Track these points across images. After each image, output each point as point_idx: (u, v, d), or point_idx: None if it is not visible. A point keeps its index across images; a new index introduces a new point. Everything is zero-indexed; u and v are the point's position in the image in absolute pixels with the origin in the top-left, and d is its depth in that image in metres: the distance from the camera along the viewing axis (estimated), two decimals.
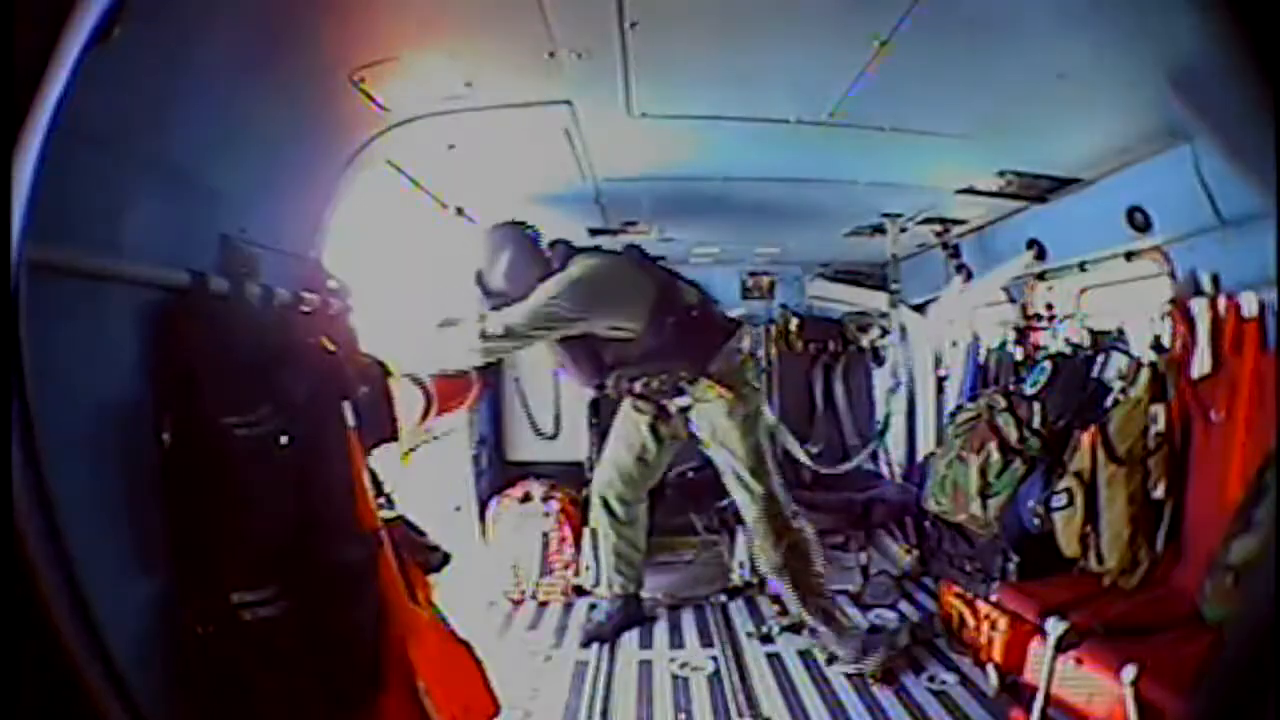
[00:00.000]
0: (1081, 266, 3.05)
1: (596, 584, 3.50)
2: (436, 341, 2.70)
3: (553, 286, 2.72)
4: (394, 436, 2.00)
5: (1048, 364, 3.10)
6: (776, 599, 3.51)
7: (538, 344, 2.87)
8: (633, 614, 3.31)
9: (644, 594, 3.43)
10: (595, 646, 3.12)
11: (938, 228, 3.56)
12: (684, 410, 3.02)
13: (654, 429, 3.19)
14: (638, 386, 2.94)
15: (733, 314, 3.28)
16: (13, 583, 0.66)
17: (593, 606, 3.42)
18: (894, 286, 3.85)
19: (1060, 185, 2.74)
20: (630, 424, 3.24)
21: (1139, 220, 2.50)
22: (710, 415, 2.93)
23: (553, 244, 2.95)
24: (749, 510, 2.94)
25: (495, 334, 2.65)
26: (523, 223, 2.93)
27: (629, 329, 2.80)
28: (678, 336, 2.83)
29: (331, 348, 1.75)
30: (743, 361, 2.99)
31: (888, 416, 4.30)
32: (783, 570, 2.91)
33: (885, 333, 4.67)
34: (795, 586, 2.90)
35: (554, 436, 4.39)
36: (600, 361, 2.89)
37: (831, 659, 2.87)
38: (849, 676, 2.78)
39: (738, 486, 2.95)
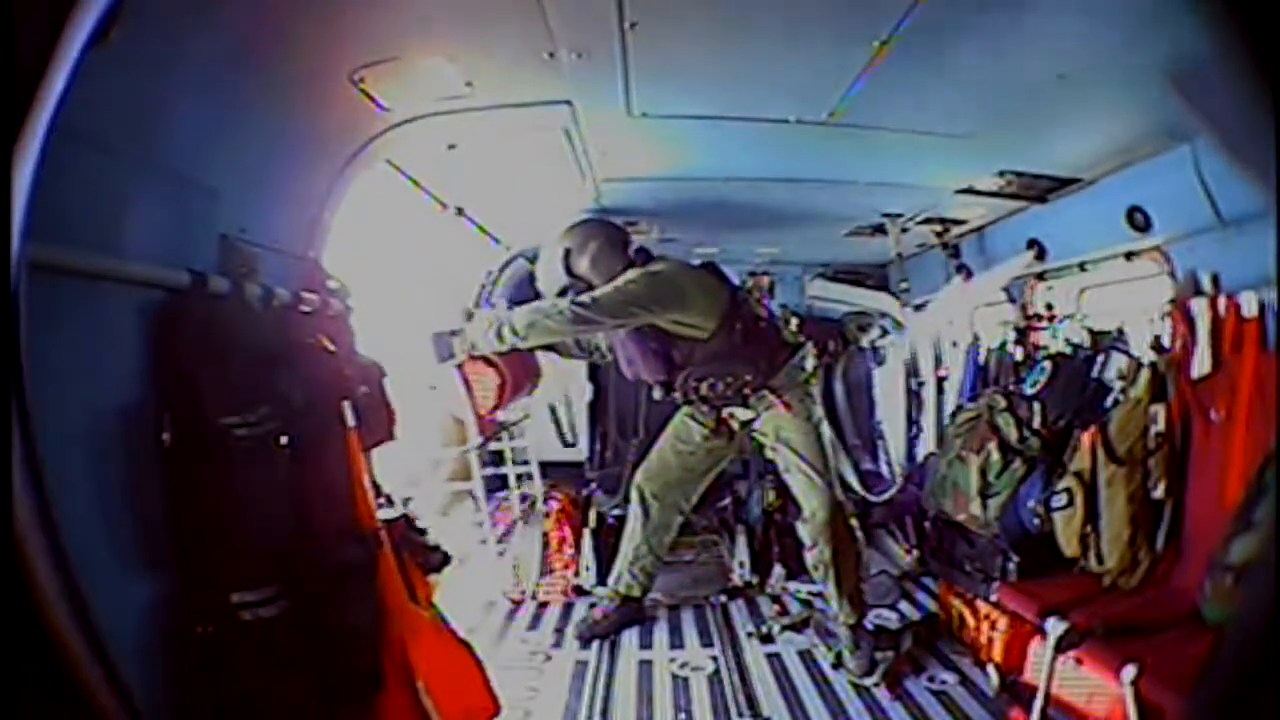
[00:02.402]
0: (1081, 266, 3.06)
1: (600, 581, 3.50)
2: (529, 314, 2.78)
3: (634, 274, 2.84)
4: (393, 436, 2.00)
5: (1048, 364, 3.10)
6: (776, 599, 3.52)
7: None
8: (632, 615, 3.31)
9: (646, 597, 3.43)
10: (595, 646, 3.12)
11: (938, 228, 3.56)
12: (745, 424, 3.07)
13: (707, 439, 3.21)
14: (704, 388, 2.99)
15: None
16: (13, 583, 0.66)
17: (593, 605, 3.41)
18: (903, 286, 3.85)
19: (1060, 185, 2.74)
20: (685, 428, 3.26)
21: (1139, 220, 2.50)
22: (774, 419, 2.99)
23: (635, 249, 3.08)
24: (813, 504, 2.94)
25: (584, 302, 2.74)
26: (613, 221, 3.10)
27: (700, 327, 2.87)
28: (745, 343, 2.92)
29: (331, 348, 1.75)
30: (804, 379, 3.05)
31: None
32: (830, 569, 2.93)
33: (885, 333, 4.67)
34: (839, 586, 2.93)
35: (574, 444, 4.59)
36: (670, 358, 2.95)
37: (838, 663, 2.86)
38: (854, 683, 2.78)
39: (805, 483, 2.96)
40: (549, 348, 3.22)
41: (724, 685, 2.78)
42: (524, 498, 3.66)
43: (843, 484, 3.84)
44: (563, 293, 2.95)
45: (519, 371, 3.11)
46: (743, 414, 3.05)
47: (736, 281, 3.18)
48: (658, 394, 3.13)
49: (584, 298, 2.77)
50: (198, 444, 1.31)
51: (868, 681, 2.74)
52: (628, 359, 3.08)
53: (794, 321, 4.69)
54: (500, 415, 3.24)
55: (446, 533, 2.91)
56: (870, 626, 2.97)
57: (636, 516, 3.29)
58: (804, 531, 3.00)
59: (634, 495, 3.30)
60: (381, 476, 2.01)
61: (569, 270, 3.00)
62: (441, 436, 3.10)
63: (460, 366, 2.86)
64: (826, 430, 3.06)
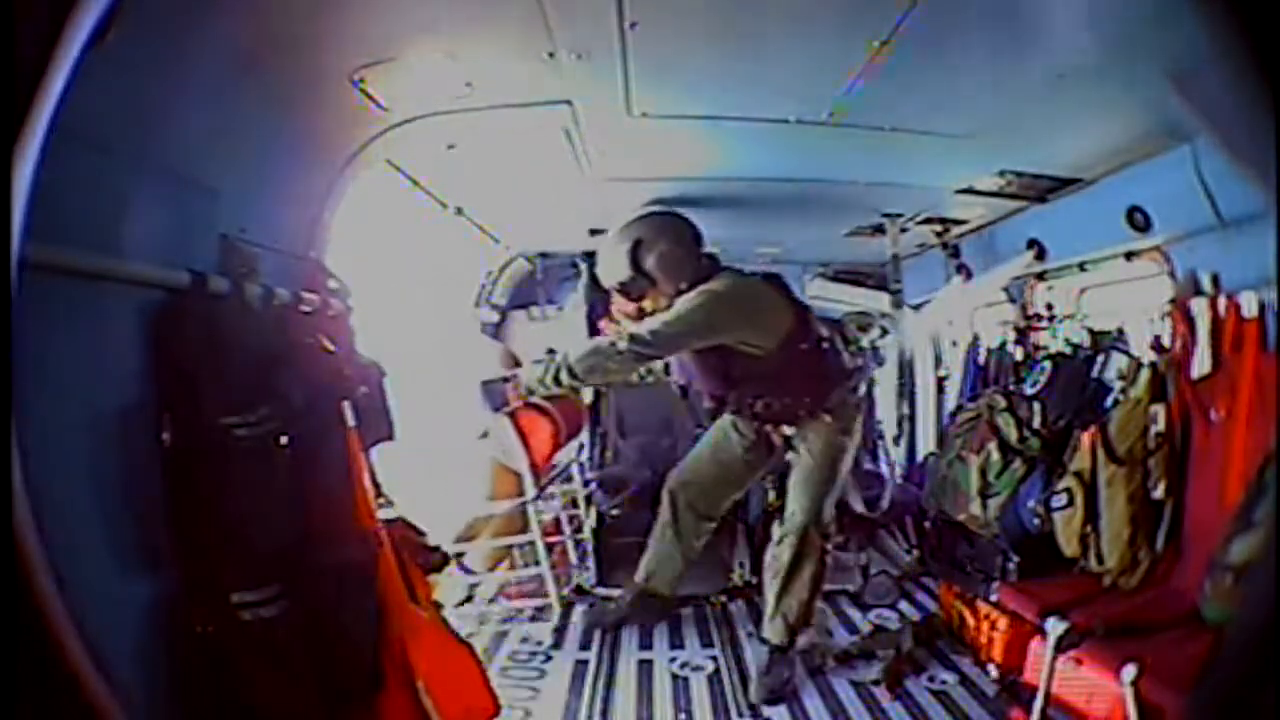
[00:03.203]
0: (1081, 266, 3.06)
1: (600, 581, 3.49)
2: (585, 353, 2.64)
3: (697, 298, 2.70)
4: (391, 436, 2.00)
5: (1048, 364, 3.10)
6: None
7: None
8: (653, 611, 3.28)
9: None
10: (595, 646, 3.11)
11: (938, 228, 3.56)
12: (788, 439, 3.00)
13: (746, 452, 3.15)
14: (758, 406, 2.92)
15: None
16: (12, 583, 0.66)
17: (604, 598, 3.41)
18: (894, 286, 3.84)
19: (1060, 185, 2.74)
20: (725, 438, 3.19)
21: (1139, 220, 2.50)
22: (812, 428, 2.93)
23: (705, 254, 2.95)
24: (795, 506, 2.89)
25: (644, 338, 2.61)
26: (687, 218, 2.91)
27: (762, 346, 2.77)
28: (805, 364, 2.83)
29: (331, 348, 1.75)
30: (856, 404, 3.03)
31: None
32: (779, 576, 2.86)
33: (885, 333, 4.67)
34: (779, 596, 2.85)
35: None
36: (727, 374, 2.85)
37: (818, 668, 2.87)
38: (853, 682, 2.78)
39: (801, 487, 2.90)
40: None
41: (724, 685, 2.78)
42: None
43: (842, 506, 3.82)
44: (624, 285, 2.85)
45: (570, 415, 3.01)
46: (788, 430, 2.98)
47: (802, 299, 3.06)
48: (708, 404, 3.07)
49: (644, 333, 2.61)
50: (198, 444, 1.31)
51: (763, 709, 2.63)
52: (681, 365, 3.03)
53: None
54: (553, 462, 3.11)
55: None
56: (794, 654, 2.86)
57: (666, 520, 3.23)
58: (775, 530, 2.94)
59: (665, 498, 3.23)
60: (431, 531, 1.96)
61: (635, 264, 2.81)
62: (487, 488, 2.93)
63: (513, 415, 2.72)
64: (850, 456, 2.98)
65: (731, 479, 3.23)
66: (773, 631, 2.84)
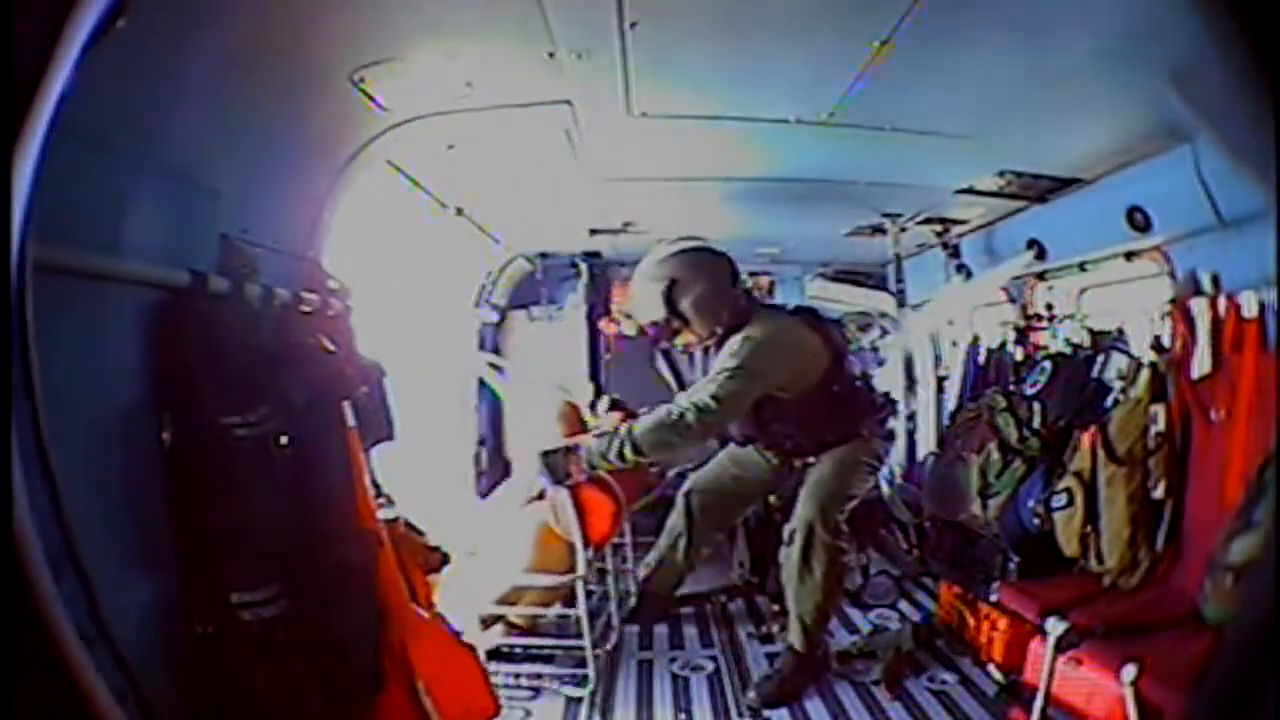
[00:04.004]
0: (1081, 266, 3.06)
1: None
2: (650, 428, 2.55)
3: (745, 353, 2.60)
4: (391, 436, 2.00)
5: (1048, 364, 3.10)
6: (777, 599, 3.51)
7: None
8: (642, 612, 3.28)
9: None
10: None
11: (938, 228, 3.56)
12: (808, 464, 2.97)
13: (765, 470, 3.13)
14: (788, 444, 2.93)
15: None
16: (12, 583, 0.66)
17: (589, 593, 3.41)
18: (897, 287, 3.84)
19: (1060, 185, 2.74)
20: (747, 453, 3.16)
21: (1139, 220, 2.50)
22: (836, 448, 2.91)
23: (743, 292, 2.90)
24: (802, 508, 2.83)
25: (709, 407, 2.53)
26: (723, 254, 2.84)
27: (798, 390, 2.75)
28: (837, 403, 2.82)
29: (331, 348, 1.75)
30: (886, 434, 3.02)
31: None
32: (795, 575, 2.80)
33: (885, 333, 4.67)
34: (795, 599, 2.80)
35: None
36: (759, 416, 2.82)
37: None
38: (853, 682, 2.77)
39: (814, 489, 2.84)
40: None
41: (724, 685, 2.78)
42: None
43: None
44: (657, 325, 2.80)
45: (630, 491, 2.92)
46: (811, 459, 2.95)
47: (838, 336, 3.00)
48: (737, 439, 3.05)
49: (707, 401, 2.53)
50: (198, 444, 1.31)
51: (764, 711, 2.59)
52: None
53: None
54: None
55: None
56: (819, 654, 2.81)
57: (678, 526, 3.22)
58: (785, 530, 2.90)
59: (680, 503, 3.22)
60: (470, 596, 1.87)
61: (670, 304, 2.74)
62: (532, 551, 2.78)
63: (574, 489, 2.61)
64: (868, 474, 2.94)
65: (748, 494, 3.24)
66: (792, 634, 2.81)
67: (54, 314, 1.06)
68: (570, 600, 2.76)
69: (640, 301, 2.82)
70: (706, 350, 2.92)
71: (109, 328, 1.23)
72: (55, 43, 0.66)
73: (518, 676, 2.74)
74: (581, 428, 2.93)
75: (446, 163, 2.49)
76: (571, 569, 2.67)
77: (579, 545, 2.60)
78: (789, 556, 2.82)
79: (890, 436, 3.11)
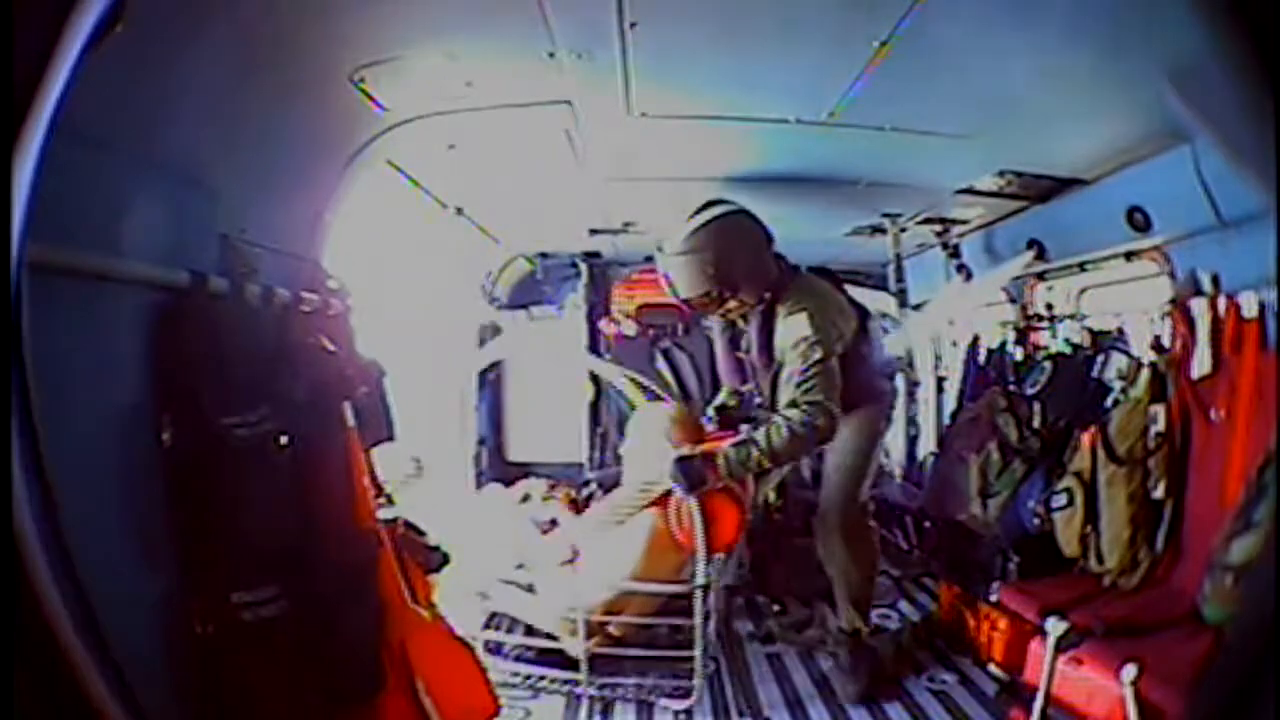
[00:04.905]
0: (1081, 266, 3.05)
1: None
2: (791, 442, 2.47)
3: (814, 325, 2.53)
4: (391, 436, 2.00)
5: (1048, 364, 3.10)
6: (776, 599, 3.51)
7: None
8: None
9: None
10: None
11: (938, 228, 3.56)
12: None
13: None
14: None
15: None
16: (12, 583, 0.66)
17: None
18: (898, 287, 3.83)
19: (1060, 185, 2.74)
20: None
21: (1139, 220, 2.50)
22: (852, 415, 2.83)
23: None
24: (830, 491, 2.84)
25: (823, 403, 2.47)
26: (757, 217, 2.70)
27: (838, 353, 2.65)
28: (864, 365, 2.78)
29: (331, 348, 1.75)
30: (893, 391, 3.02)
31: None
32: (831, 563, 2.81)
33: (885, 333, 4.67)
34: (840, 581, 2.81)
35: None
36: (774, 381, 2.71)
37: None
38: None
39: (834, 470, 2.85)
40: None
41: (724, 686, 2.78)
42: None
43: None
44: (704, 298, 2.66)
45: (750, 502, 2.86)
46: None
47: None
48: (760, 400, 2.94)
49: (822, 401, 2.46)
50: (198, 444, 1.31)
51: (857, 706, 2.61)
52: (732, 367, 2.97)
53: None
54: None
55: None
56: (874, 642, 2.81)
57: None
58: (814, 522, 2.92)
59: None
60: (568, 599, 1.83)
61: (718, 276, 2.60)
62: (640, 558, 2.65)
63: (703, 497, 2.52)
64: (883, 440, 2.96)
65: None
66: (845, 619, 2.81)
67: (54, 314, 1.06)
68: (672, 610, 2.66)
69: (684, 275, 2.64)
70: (710, 346, 2.86)
71: (109, 328, 1.23)
72: (55, 43, 0.66)
73: (615, 688, 2.66)
74: (699, 435, 2.82)
75: (446, 163, 2.49)
76: (681, 577, 2.60)
77: (701, 553, 2.51)
78: (825, 544, 2.82)
79: (896, 393, 3.08)
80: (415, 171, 2.55)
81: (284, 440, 1.46)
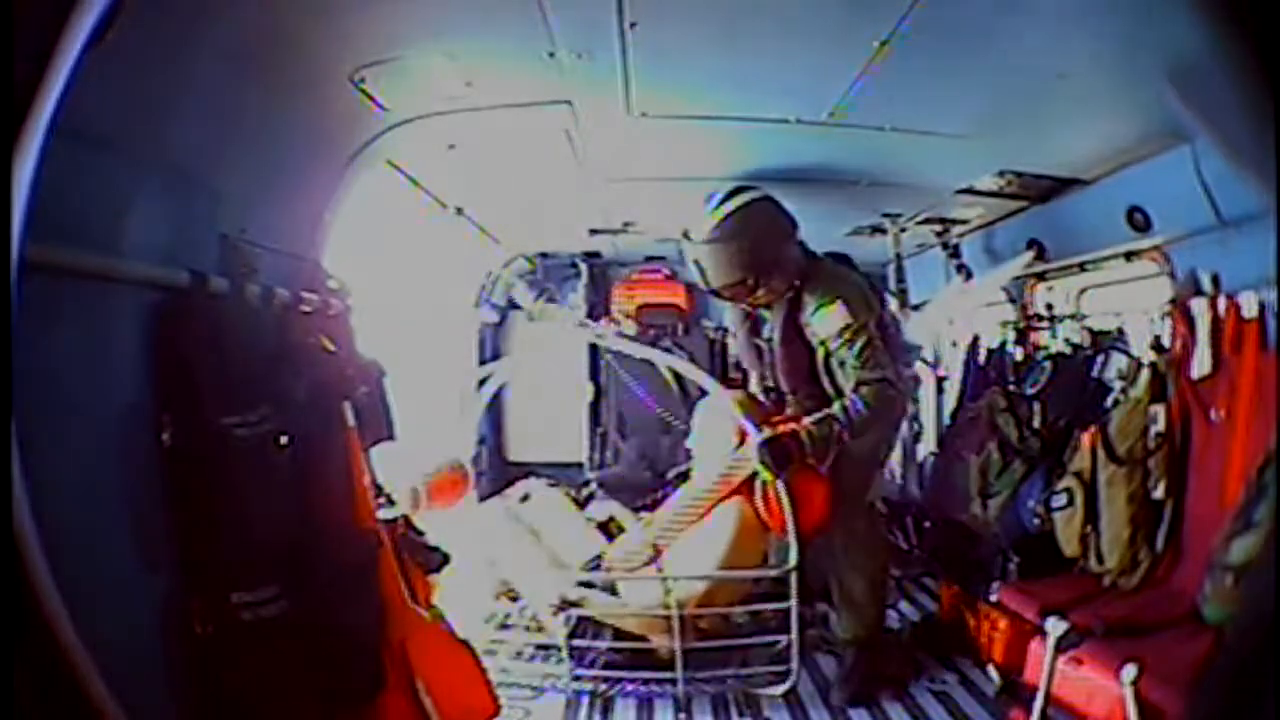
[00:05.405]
0: (1081, 266, 3.05)
1: None
2: (870, 418, 2.49)
3: (849, 311, 2.52)
4: (391, 436, 2.00)
5: (1048, 364, 3.10)
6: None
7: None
8: None
9: None
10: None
11: (938, 228, 3.56)
12: None
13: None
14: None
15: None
16: (12, 583, 0.66)
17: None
18: (899, 287, 3.82)
19: (1060, 185, 2.74)
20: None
21: (1139, 220, 2.50)
22: None
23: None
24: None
25: (881, 377, 2.48)
26: (779, 202, 2.64)
27: None
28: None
29: (331, 348, 1.75)
30: (912, 377, 2.98)
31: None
32: (838, 561, 2.74)
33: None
34: (839, 586, 2.73)
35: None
36: (812, 368, 2.68)
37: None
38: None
39: (844, 470, 2.76)
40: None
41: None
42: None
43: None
44: (735, 287, 2.61)
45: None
46: None
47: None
48: (785, 388, 2.86)
49: (887, 375, 2.49)
50: (198, 444, 1.31)
51: (848, 710, 2.57)
52: (752, 355, 2.94)
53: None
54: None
55: None
56: (878, 649, 2.74)
57: None
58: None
59: None
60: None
61: (750, 264, 2.55)
62: (728, 551, 2.63)
63: (789, 479, 2.48)
64: (898, 436, 2.93)
65: None
66: (843, 626, 2.75)
67: (54, 314, 1.06)
68: (758, 597, 2.70)
69: (717, 263, 2.58)
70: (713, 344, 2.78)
71: (109, 328, 1.23)
72: (55, 43, 0.66)
73: (712, 682, 2.61)
74: (767, 419, 2.72)
75: (446, 163, 2.49)
76: (765, 563, 2.64)
77: (794, 535, 2.49)
78: (827, 543, 2.75)
79: (915, 381, 3.03)
80: (415, 171, 2.55)
81: (284, 440, 1.46)
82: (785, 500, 2.48)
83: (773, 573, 2.59)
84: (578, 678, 2.63)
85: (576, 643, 2.67)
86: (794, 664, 2.57)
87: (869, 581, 2.75)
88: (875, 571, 2.77)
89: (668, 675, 2.59)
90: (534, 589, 2.79)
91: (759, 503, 2.61)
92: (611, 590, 2.75)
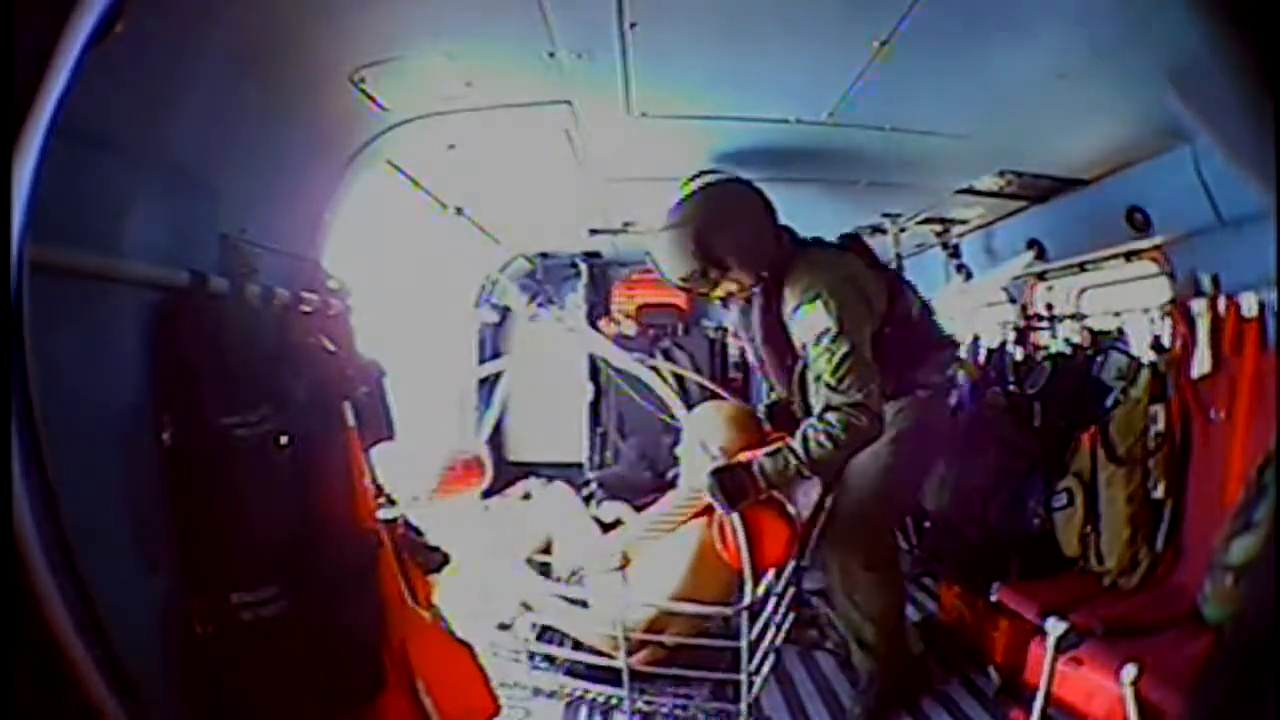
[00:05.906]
0: (1081, 266, 3.05)
1: None
2: (829, 449, 2.19)
3: (837, 321, 2.21)
4: (391, 436, 2.00)
5: (1048, 364, 3.10)
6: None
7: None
8: None
9: None
10: None
11: (938, 228, 3.56)
12: None
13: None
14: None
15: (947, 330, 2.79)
16: (12, 583, 0.66)
17: None
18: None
19: (1060, 185, 2.74)
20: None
21: (1139, 220, 2.50)
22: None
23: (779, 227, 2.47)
24: (836, 551, 2.60)
25: (860, 401, 2.18)
26: (755, 186, 2.40)
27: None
28: (896, 346, 2.42)
29: (331, 348, 1.75)
30: (949, 380, 2.68)
31: None
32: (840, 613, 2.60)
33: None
34: (847, 613, 2.57)
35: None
36: (803, 378, 2.43)
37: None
38: (853, 681, 2.77)
39: (840, 518, 2.60)
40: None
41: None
42: None
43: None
44: (689, 279, 2.38)
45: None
46: None
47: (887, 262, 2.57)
48: (796, 399, 2.62)
49: (859, 399, 2.17)
50: (198, 444, 1.31)
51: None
52: (762, 366, 2.66)
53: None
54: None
55: None
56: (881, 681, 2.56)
57: None
58: (825, 544, 2.69)
59: None
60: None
61: (704, 253, 2.30)
62: (685, 580, 2.46)
63: (745, 513, 2.30)
64: (929, 458, 2.74)
65: None
66: (858, 662, 2.60)
67: (54, 314, 1.06)
68: (723, 631, 2.51)
69: (668, 253, 2.36)
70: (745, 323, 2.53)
71: (109, 328, 1.23)
72: (55, 43, 0.66)
73: (659, 705, 2.49)
74: (758, 437, 2.56)
75: (446, 163, 2.49)
76: (728, 598, 2.41)
77: (749, 572, 2.28)
78: (832, 567, 2.56)
79: (949, 388, 2.71)
80: (415, 171, 2.55)
81: (284, 440, 1.46)
82: (741, 534, 2.29)
83: (728, 611, 2.36)
84: (536, 686, 2.57)
85: (534, 646, 2.61)
86: (742, 705, 2.37)
87: (879, 628, 2.54)
88: (885, 616, 2.54)
89: (618, 692, 2.47)
90: (502, 587, 2.72)
91: (714, 532, 2.43)
92: (584, 604, 2.59)
